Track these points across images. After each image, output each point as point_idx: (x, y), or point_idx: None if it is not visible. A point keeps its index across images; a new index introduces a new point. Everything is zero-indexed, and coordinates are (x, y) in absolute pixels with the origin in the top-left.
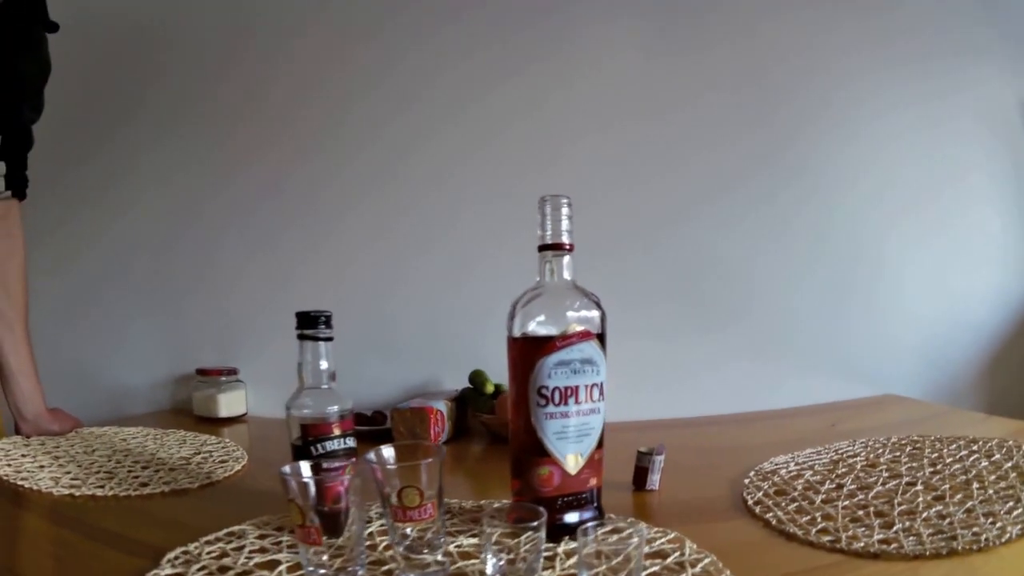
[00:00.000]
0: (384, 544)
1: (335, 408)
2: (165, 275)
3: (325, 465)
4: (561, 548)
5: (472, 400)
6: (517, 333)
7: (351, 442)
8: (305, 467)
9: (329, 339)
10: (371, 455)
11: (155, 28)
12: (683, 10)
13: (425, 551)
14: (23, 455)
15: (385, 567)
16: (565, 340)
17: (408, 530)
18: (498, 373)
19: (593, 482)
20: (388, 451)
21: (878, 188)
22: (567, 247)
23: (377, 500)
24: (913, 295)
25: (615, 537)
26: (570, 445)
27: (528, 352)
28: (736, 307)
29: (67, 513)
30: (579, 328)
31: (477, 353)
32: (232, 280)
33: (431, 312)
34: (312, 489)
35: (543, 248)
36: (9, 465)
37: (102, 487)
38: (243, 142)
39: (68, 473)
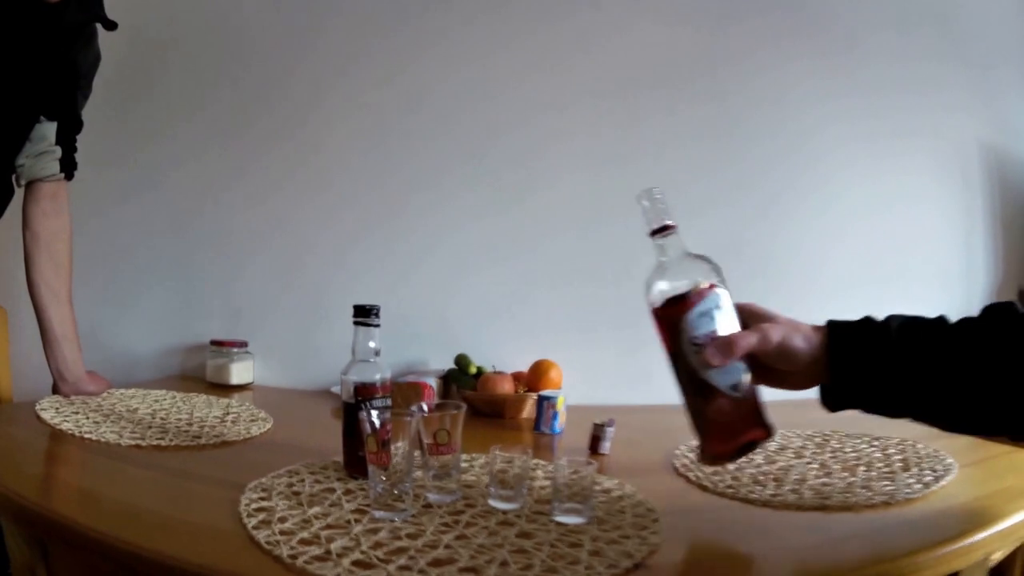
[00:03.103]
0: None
1: (379, 376)
2: (180, 250)
3: (383, 415)
4: (539, 471)
5: (456, 379)
6: (659, 303)
7: (388, 401)
8: (375, 413)
9: (377, 326)
10: (416, 408)
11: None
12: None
13: (446, 479)
14: (75, 412)
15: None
16: (699, 294)
17: (435, 462)
18: (478, 357)
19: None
20: (425, 406)
21: (827, 210)
22: (672, 227)
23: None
24: (854, 314)
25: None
26: (731, 376)
27: (673, 313)
28: None
29: (142, 459)
30: (705, 283)
31: (459, 338)
32: (244, 260)
33: (421, 301)
34: (385, 424)
35: (654, 233)
36: (67, 421)
37: (161, 439)
38: (260, 124)
39: (125, 429)
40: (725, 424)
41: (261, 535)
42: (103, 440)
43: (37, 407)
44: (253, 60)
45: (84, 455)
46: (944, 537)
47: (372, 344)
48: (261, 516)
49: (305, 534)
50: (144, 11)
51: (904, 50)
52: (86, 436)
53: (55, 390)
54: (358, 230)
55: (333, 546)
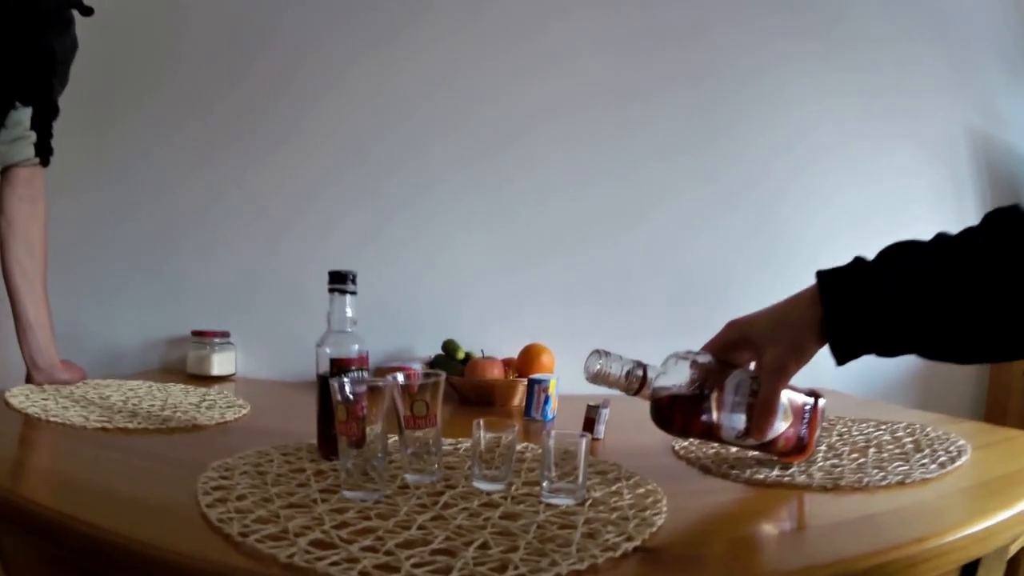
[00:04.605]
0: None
1: (356, 347)
2: (159, 240)
3: (356, 387)
4: (529, 453)
5: (443, 365)
6: (682, 422)
7: (366, 374)
8: (348, 381)
9: (354, 293)
10: (391, 378)
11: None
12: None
13: (425, 457)
14: (44, 399)
15: (395, 464)
16: (720, 402)
17: (413, 438)
18: (467, 343)
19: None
20: (402, 376)
21: (821, 201)
22: (644, 370)
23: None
24: None
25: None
26: (779, 424)
27: (705, 431)
28: (684, 314)
29: (106, 441)
30: (707, 367)
31: (446, 324)
32: (225, 250)
33: (407, 285)
34: (355, 391)
35: (638, 392)
36: (35, 406)
37: (130, 423)
38: (235, 109)
39: (93, 412)
40: (798, 443)
41: (214, 512)
42: (68, 423)
43: (7, 394)
44: (224, 48)
45: (44, 436)
46: (968, 517)
47: (349, 313)
48: (218, 494)
49: (263, 512)
50: None
51: (889, 35)
52: (52, 419)
53: (29, 379)
54: (340, 214)
55: (291, 524)
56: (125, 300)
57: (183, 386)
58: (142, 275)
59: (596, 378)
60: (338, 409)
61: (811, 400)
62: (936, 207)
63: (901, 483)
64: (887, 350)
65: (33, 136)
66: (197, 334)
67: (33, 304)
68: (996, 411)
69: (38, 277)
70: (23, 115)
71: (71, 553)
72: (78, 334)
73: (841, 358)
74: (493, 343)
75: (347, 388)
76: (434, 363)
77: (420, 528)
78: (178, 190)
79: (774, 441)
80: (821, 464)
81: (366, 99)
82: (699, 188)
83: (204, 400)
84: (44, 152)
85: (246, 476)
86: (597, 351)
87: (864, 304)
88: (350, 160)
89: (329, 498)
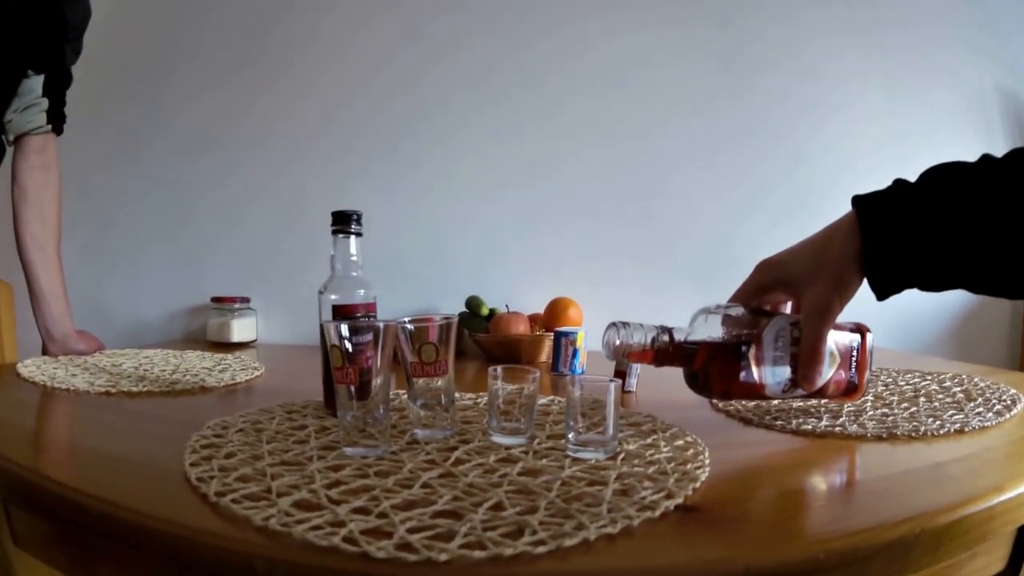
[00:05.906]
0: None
1: (361, 292)
2: (179, 209)
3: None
4: (555, 406)
5: (467, 321)
6: (721, 382)
7: (374, 321)
8: (342, 322)
9: (359, 234)
10: (398, 320)
11: None
12: None
13: (438, 408)
14: (55, 368)
15: (406, 420)
16: (758, 357)
17: (423, 387)
18: (491, 299)
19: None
20: (408, 319)
21: (851, 159)
22: (665, 334)
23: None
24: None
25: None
26: (826, 371)
27: (748, 390)
28: (714, 265)
29: (108, 405)
30: (740, 319)
31: (470, 281)
32: (243, 215)
33: (429, 242)
34: (353, 333)
35: (675, 354)
36: (44, 374)
37: (135, 387)
38: (254, 77)
39: (100, 378)
40: (848, 386)
41: (194, 471)
42: (72, 389)
43: (19, 366)
44: (244, 16)
45: (45, 402)
46: None
47: (354, 256)
48: (205, 452)
49: (248, 470)
50: None
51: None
52: (57, 386)
53: (45, 351)
54: (359, 173)
55: (276, 483)
56: (145, 271)
57: (200, 352)
58: (161, 245)
59: (618, 353)
60: (333, 353)
61: (857, 337)
62: (965, 148)
63: (960, 431)
64: (932, 283)
65: (45, 103)
66: (217, 300)
67: (46, 274)
68: None
69: (51, 246)
70: (35, 83)
71: (49, 515)
72: (102, 308)
73: (882, 293)
74: (518, 298)
75: (343, 330)
76: (458, 320)
77: (424, 487)
78: (194, 156)
79: (823, 388)
80: (871, 414)
81: (385, 50)
82: (723, 148)
83: (218, 365)
84: (57, 120)
85: (241, 434)
86: (614, 323)
87: (907, 232)
88: (369, 114)
89: (326, 455)
